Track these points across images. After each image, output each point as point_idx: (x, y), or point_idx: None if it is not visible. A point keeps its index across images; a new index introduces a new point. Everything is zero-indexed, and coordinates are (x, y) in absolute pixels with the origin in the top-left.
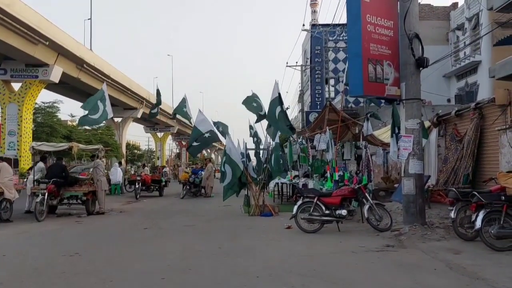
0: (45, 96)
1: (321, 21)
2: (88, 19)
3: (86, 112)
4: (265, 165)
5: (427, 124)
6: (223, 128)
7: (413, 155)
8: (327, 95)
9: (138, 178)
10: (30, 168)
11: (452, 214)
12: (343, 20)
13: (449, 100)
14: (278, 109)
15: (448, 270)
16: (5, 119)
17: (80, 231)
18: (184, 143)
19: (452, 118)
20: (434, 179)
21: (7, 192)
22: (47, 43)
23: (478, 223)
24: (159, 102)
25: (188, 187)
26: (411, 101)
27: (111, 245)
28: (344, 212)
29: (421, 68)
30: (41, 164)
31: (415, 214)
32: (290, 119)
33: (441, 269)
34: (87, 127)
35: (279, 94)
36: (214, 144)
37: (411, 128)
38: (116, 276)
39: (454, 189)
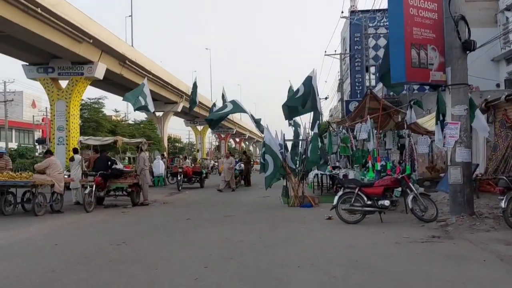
0: (91, 93)
1: (360, 7)
2: (129, 16)
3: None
4: (304, 156)
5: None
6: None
7: (460, 142)
8: (367, 83)
9: (180, 170)
10: (71, 159)
11: (503, 204)
12: (384, 5)
13: (498, 85)
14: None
15: (499, 261)
16: (54, 115)
17: (126, 221)
18: (223, 135)
19: (501, 104)
20: (483, 167)
21: (57, 185)
22: (91, 41)
23: None
24: (194, 97)
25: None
26: (457, 86)
27: (156, 235)
28: (387, 202)
29: (468, 52)
30: (78, 156)
31: (462, 204)
32: (329, 109)
33: (491, 261)
34: (130, 122)
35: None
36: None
37: (458, 115)
38: (161, 264)
39: (504, 178)
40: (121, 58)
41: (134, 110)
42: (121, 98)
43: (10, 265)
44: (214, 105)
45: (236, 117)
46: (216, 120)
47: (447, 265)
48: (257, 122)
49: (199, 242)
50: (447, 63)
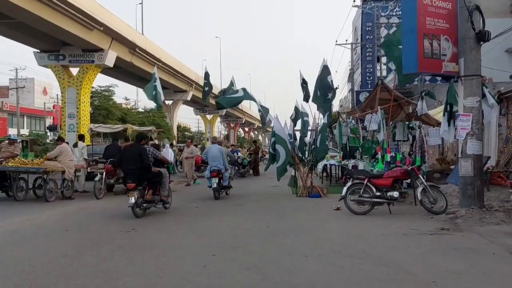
0: (101, 80)
1: None
2: (140, 3)
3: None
4: (313, 146)
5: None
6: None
7: (471, 135)
8: (378, 74)
9: None
10: (74, 145)
11: None
12: None
13: (511, 77)
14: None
15: (508, 255)
16: (65, 102)
17: None
18: (232, 125)
19: None
20: (494, 160)
21: (68, 172)
22: (102, 28)
23: None
24: (208, 85)
25: (236, 168)
26: (470, 77)
27: (165, 222)
28: (396, 194)
29: (481, 43)
30: (81, 143)
31: (472, 197)
32: (339, 99)
33: (500, 254)
34: (140, 110)
35: (326, 66)
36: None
37: (470, 107)
38: (170, 252)
39: None
40: (131, 46)
41: (150, 99)
42: (131, 86)
43: (21, 250)
44: (224, 91)
45: (245, 106)
46: (226, 103)
47: (455, 258)
48: (263, 113)
49: (207, 230)
50: (460, 54)
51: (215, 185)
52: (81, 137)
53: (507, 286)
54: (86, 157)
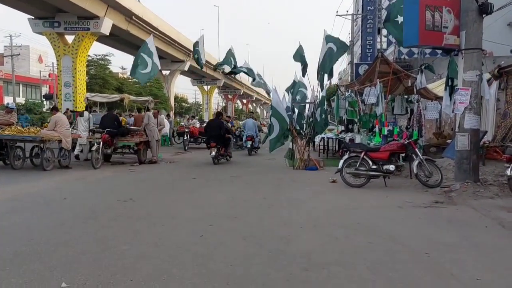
0: (97, 49)
1: None
2: None
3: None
4: (311, 119)
5: (487, 76)
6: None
7: (469, 109)
8: (378, 46)
9: (187, 130)
10: (80, 114)
11: (508, 172)
12: None
13: None
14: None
15: (501, 228)
16: (60, 71)
17: (133, 178)
18: (230, 96)
19: None
20: (491, 135)
21: (65, 141)
22: None
23: None
24: (196, 53)
25: (234, 140)
26: (471, 51)
27: (162, 193)
28: (392, 167)
29: (484, 15)
30: (87, 114)
31: (468, 171)
32: (338, 72)
33: (493, 227)
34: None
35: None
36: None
37: (469, 81)
38: (167, 221)
39: None
40: (128, 14)
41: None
42: (128, 55)
43: (20, 218)
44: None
45: (244, 78)
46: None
47: (448, 230)
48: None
49: (204, 200)
50: (462, 26)
51: (249, 146)
52: (87, 108)
53: (499, 258)
54: (90, 128)
